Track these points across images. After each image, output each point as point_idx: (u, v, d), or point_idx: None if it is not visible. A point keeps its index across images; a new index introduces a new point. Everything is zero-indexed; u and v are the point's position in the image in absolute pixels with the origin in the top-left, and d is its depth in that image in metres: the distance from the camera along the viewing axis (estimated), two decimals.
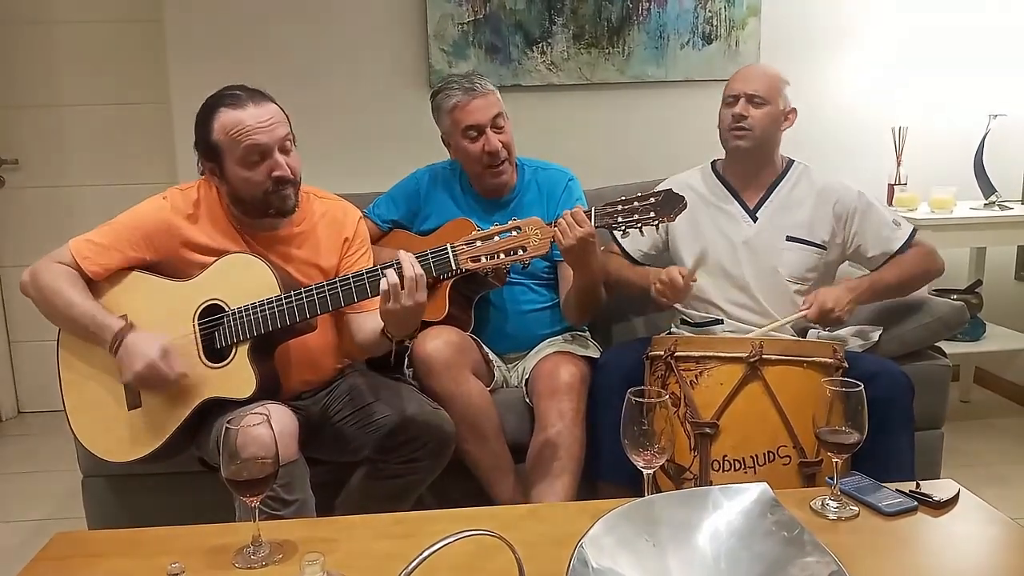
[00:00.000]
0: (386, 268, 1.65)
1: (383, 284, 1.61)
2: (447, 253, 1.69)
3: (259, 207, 1.78)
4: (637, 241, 2.22)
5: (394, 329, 1.71)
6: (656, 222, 1.72)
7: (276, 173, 1.73)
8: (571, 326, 2.28)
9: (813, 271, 2.11)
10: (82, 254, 1.77)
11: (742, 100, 2.08)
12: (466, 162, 2.19)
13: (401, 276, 1.61)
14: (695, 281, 1.99)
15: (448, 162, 2.36)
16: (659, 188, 2.16)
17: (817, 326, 2.13)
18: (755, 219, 2.13)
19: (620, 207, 1.74)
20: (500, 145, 2.13)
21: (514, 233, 1.64)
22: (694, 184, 2.19)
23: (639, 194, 1.74)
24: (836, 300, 1.98)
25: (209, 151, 1.75)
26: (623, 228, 1.74)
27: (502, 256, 1.63)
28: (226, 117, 1.71)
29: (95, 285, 1.78)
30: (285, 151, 1.75)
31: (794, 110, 2.13)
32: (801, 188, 2.14)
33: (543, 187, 2.27)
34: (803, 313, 2.00)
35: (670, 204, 1.72)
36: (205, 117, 1.74)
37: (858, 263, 2.19)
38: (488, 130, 2.12)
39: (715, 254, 2.14)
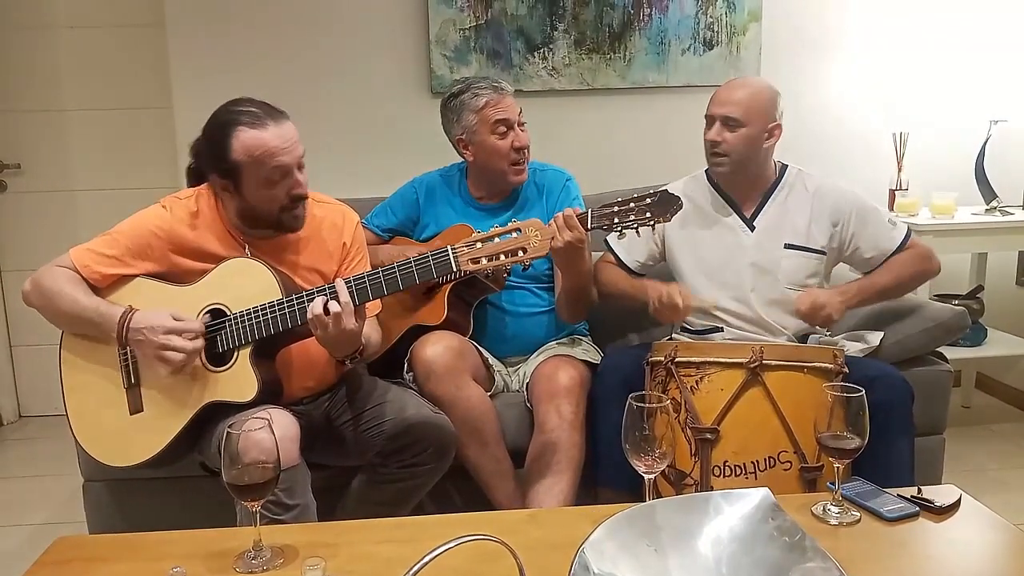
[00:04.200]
0: (319, 293, 1.68)
1: (309, 314, 1.64)
2: (447, 255, 1.69)
3: (270, 223, 1.79)
4: (633, 251, 2.21)
5: (329, 351, 1.75)
6: (652, 222, 1.73)
7: (295, 191, 1.75)
8: (572, 329, 2.28)
9: (813, 277, 2.10)
10: (82, 262, 1.77)
11: (717, 124, 2.06)
12: (491, 159, 2.18)
13: (327, 308, 1.63)
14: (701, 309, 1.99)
15: (445, 169, 2.36)
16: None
17: (819, 331, 2.13)
18: (752, 228, 2.13)
19: (616, 208, 1.74)
20: (527, 141, 2.17)
21: (514, 235, 1.64)
22: (690, 194, 2.18)
23: (635, 195, 1.75)
24: (828, 297, 1.98)
25: (226, 170, 1.73)
26: (620, 229, 1.75)
27: (503, 257, 1.64)
28: (248, 137, 1.70)
29: (97, 291, 1.78)
30: (301, 168, 1.77)
31: (779, 126, 2.08)
32: (796, 194, 2.13)
33: (541, 187, 2.28)
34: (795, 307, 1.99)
35: (665, 204, 1.72)
36: (222, 135, 1.71)
37: (854, 265, 2.18)
38: (515, 127, 2.15)
39: (713, 265, 2.13)
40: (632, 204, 1.73)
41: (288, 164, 1.72)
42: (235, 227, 1.83)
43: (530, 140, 2.20)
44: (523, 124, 2.18)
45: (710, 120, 2.08)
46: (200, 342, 1.70)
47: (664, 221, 1.73)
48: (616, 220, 1.74)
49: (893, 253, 2.09)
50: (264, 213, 1.77)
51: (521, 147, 2.16)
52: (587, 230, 1.80)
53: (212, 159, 1.75)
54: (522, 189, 2.27)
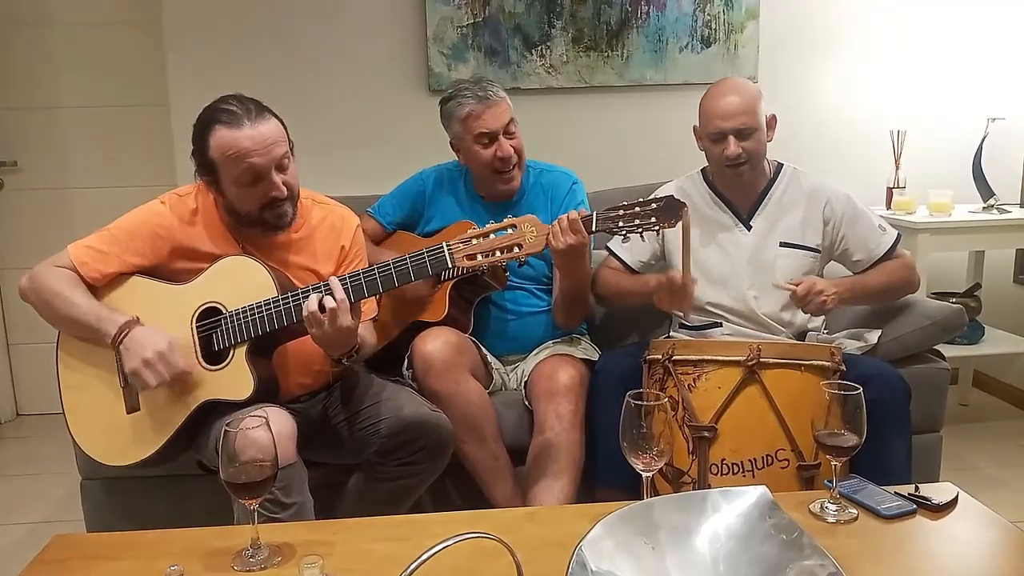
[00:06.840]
0: (315, 290, 1.67)
1: (304, 311, 1.64)
2: (443, 251, 1.69)
3: (253, 221, 1.79)
4: (635, 252, 2.20)
5: (324, 349, 1.74)
6: (657, 227, 1.72)
7: (272, 194, 1.73)
8: (571, 328, 2.28)
9: (809, 275, 2.10)
10: (80, 259, 1.76)
11: (731, 138, 2.02)
12: (477, 167, 2.18)
13: (322, 304, 1.63)
14: (695, 281, 1.96)
15: (453, 163, 2.36)
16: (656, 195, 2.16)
17: (816, 329, 2.13)
18: (749, 227, 2.13)
19: (622, 212, 1.73)
20: (512, 151, 2.14)
21: (509, 231, 1.64)
22: (688, 193, 2.18)
23: (640, 199, 1.74)
24: (825, 286, 1.98)
25: (205, 166, 1.74)
26: (624, 233, 1.74)
27: (498, 254, 1.64)
28: (222, 136, 1.69)
29: (94, 290, 1.78)
30: (282, 169, 1.74)
31: (773, 116, 2.08)
32: (792, 192, 2.13)
33: (547, 189, 2.27)
34: (792, 289, 1.97)
35: (671, 210, 1.71)
36: (201, 131, 1.72)
37: (843, 264, 2.19)
38: (500, 137, 2.12)
39: (711, 264, 2.13)
40: (638, 209, 1.72)
41: (260, 166, 1.69)
42: (231, 223, 1.83)
43: (521, 145, 2.16)
44: (512, 133, 2.14)
45: (720, 136, 2.03)
46: (176, 368, 1.68)
47: (670, 227, 1.71)
48: (620, 224, 1.73)
49: (882, 259, 2.10)
50: (245, 211, 1.77)
51: (505, 157, 2.13)
52: (590, 233, 1.79)
53: (196, 155, 1.75)
54: (526, 189, 2.26)
